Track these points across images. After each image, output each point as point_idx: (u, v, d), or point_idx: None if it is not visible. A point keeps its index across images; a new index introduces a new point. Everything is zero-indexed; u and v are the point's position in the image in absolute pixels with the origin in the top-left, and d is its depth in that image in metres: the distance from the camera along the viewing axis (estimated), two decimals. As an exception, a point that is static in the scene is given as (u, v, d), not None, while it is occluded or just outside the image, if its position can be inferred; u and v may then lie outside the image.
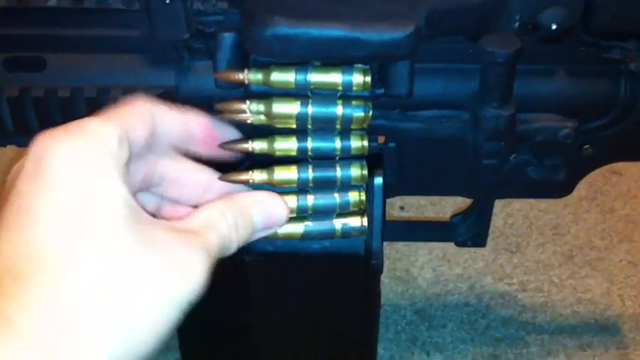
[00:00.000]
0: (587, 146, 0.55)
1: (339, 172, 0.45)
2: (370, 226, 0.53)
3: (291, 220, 0.44)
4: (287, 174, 0.45)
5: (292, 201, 0.45)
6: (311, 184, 0.45)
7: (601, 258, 0.84)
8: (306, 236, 0.46)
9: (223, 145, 0.43)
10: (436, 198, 0.91)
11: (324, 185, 0.46)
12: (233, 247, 0.38)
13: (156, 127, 0.38)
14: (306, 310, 0.57)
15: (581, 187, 0.62)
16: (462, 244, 0.62)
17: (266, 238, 0.43)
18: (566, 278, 0.81)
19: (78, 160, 0.32)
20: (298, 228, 0.45)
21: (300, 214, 0.45)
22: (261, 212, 0.40)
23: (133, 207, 0.32)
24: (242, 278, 0.55)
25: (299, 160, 0.45)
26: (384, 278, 0.55)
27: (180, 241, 0.33)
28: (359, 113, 0.45)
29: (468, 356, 0.74)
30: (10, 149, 0.52)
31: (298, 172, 0.45)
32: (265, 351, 0.60)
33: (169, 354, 0.73)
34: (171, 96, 0.51)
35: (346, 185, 0.46)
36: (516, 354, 0.74)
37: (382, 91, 0.49)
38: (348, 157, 0.46)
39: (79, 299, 0.29)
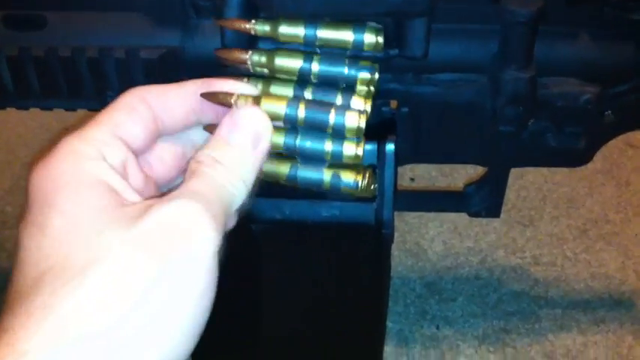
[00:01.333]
0: (609, 112, 0.53)
1: (332, 118, 0.41)
2: (381, 194, 0.51)
3: (278, 157, 0.41)
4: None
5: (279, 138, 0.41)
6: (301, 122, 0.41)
7: (616, 232, 0.82)
8: (291, 179, 0.43)
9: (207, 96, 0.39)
10: (447, 169, 0.89)
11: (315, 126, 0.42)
12: (239, 188, 0.35)
13: (155, 114, 0.36)
14: (315, 282, 0.56)
15: (597, 160, 0.60)
16: (476, 215, 0.60)
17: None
18: (580, 252, 0.80)
19: (61, 187, 0.31)
20: (284, 167, 0.42)
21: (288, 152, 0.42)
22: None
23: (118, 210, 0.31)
24: (250, 248, 0.53)
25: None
26: (394, 251, 0.53)
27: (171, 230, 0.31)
28: (364, 74, 0.42)
29: (478, 330, 0.72)
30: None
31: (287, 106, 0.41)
32: (275, 323, 0.59)
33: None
34: (176, 57, 0.49)
35: (340, 133, 0.42)
36: (528, 328, 0.72)
37: (396, 51, 0.47)
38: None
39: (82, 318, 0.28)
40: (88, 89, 0.49)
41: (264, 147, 0.37)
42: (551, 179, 0.88)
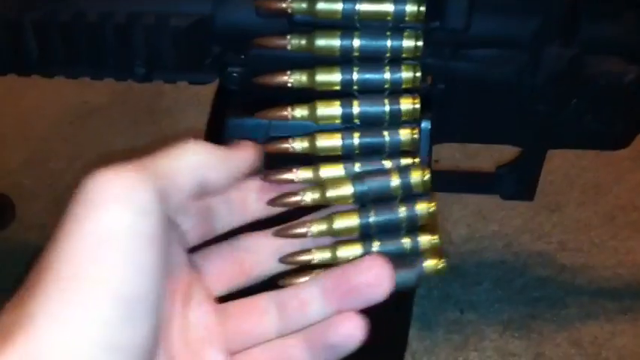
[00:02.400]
0: (651, 96, 0.51)
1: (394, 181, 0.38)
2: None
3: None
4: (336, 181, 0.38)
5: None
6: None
7: (644, 219, 0.80)
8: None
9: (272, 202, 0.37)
10: (471, 151, 0.87)
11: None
12: None
13: (204, 181, 0.33)
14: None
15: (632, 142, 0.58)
16: (508, 198, 0.58)
17: None
18: (608, 239, 0.78)
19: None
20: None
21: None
22: None
23: None
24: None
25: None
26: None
27: None
28: (409, 43, 0.40)
29: (503, 315, 0.71)
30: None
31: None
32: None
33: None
34: (206, 26, 0.47)
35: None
36: (554, 315, 0.71)
37: (437, 23, 0.45)
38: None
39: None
40: (115, 58, 0.47)
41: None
42: (578, 164, 0.86)
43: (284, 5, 0.41)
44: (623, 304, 0.72)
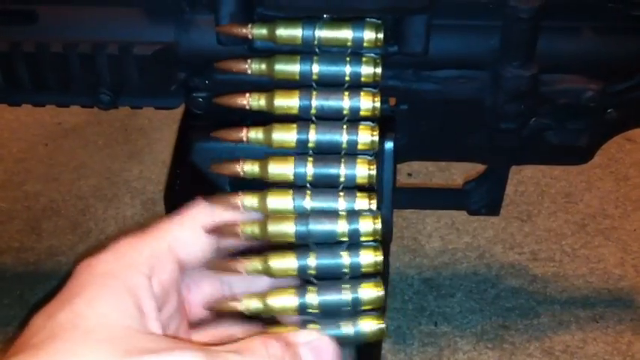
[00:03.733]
0: (612, 110, 0.52)
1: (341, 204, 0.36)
2: (380, 192, 0.50)
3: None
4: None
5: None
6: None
7: (615, 227, 0.81)
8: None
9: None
10: (444, 165, 0.88)
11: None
12: None
13: (181, 262, 0.34)
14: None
15: (595, 155, 0.59)
16: (475, 213, 0.59)
17: None
18: (579, 248, 0.79)
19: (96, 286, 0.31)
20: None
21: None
22: (309, 351, 0.33)
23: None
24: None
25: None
26: (391, 247, 0.53)
27: None
28: (368, 70, 0.40)
29: (477, 326, 0.71)
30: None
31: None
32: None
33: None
34: (171, 52, 0.48)
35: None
36: (527, 324, 0.72)
37: (396, 48, 0.46)
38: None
39: None
40: (81, 85, 0.47)
41: None
42: (549, 174, 0.87)
43: (244, 31, 0.41)
44: (595, 311, 0.73)
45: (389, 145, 0.50)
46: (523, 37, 0.47)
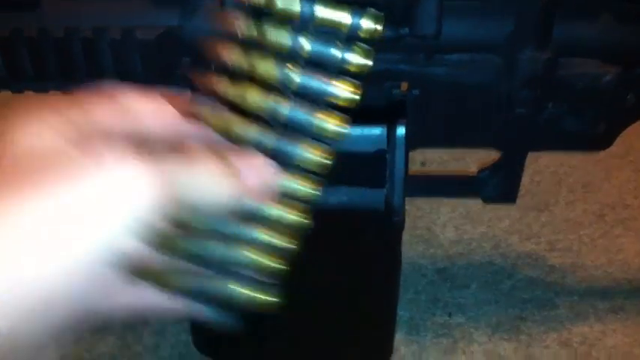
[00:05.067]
0: (631, 95, 0.50)
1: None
2: (391, 179, 0.49)
3: None
4: None
5: None
6: None
7: (634, 217, 0.79)
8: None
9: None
10: (459, 153, 0.86)
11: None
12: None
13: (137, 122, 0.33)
14: (322, 270, 0.54)
15: (614, 144, 0.57)
16: (490, 201, 0.58)
17: None
18: (598, 238, 0.77)
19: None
20: None
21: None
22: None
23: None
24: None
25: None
26: (404, 236, 0.51)
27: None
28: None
29: (492, 318, 0.70)
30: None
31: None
32: (280, 313, 0.57)
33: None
34: (175, 37, 0.47)
35: None
36: (544, 316, 0.70)
37: (407, 30, 0.44)
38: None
39: None
40: (83, 71, 0.46)
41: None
42: (566, 163, 0.85)
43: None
44: (614, 303, 0.71)
45: (400, 131, 0.48)
46: (539, 19, 0.45)
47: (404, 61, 0.48)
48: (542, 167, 0.84)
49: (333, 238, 0.51)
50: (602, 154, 0.85)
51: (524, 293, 0.72)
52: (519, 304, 0.71)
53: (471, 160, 0.85)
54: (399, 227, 0.49)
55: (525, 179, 0.77)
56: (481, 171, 0.58)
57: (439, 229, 0.78)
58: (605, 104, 0.50)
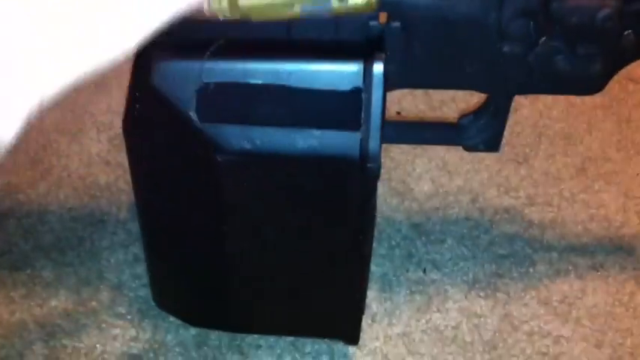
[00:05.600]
0: (629, 32, 0.46)
1: None
2: (367, 122, 0.44)
3: None
4: None
5: None
6: None
7: (616, 171, 0.76)
8: None
9: None
10: (436, 103, 0.82)
11: None
12: None
13: None
14: (290, 221, 0.50)
15: (596, 95, 0.53)
16: (472, 149, 0.54)
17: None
18: (578, 192, 0.74)
19: None
20: None
21: None
22: None
23: None
24: (214, 181, 0.47)
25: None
26: (378, 189, 0.47)
27: None
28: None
29: (468, 274, 0.67)
30: None
31: None
32: (242, 266, 0.53)
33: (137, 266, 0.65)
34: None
35: None
36: (522, 272, 0.67)
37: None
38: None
39: None
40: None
41: None
42: (547, 114, 0.81)
43: None
44: (595, 260, 0.68)
45: (378, 68, 0.44)
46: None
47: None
48: (521, 118, 0.80)
49: (302, 186, 0.47)
50: (583, 106, 0.82)
51: (501, 249, 0.69)
52: (497, 260, 0.68)
53: (449, 110, 0.80)
54: (375, 175, 0.45)
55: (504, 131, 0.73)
56: (463, 116, 0.54)
57: (414, 182, 0.74)
58: (601, 42, 0.45)
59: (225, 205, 0.48)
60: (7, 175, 0.72)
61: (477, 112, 0.52)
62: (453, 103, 0.80)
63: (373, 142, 0.44)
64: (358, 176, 0.45)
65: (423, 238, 0.69)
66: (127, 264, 0.66)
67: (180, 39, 0.41)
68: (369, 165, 0.44)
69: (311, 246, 0.51)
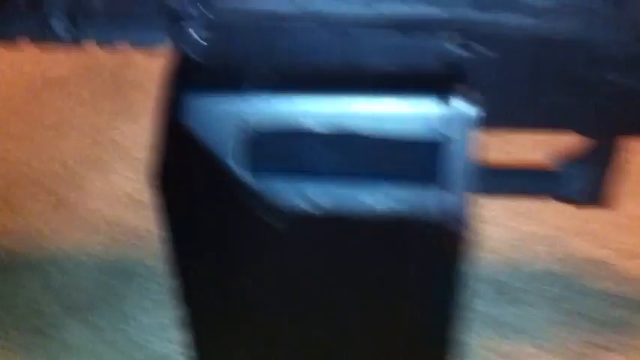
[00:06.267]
0: None
1: None
2: (450, 175, 0.36)
3: None
4: None
5: None
6: None
7: None
8: None
9: None
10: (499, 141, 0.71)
11: None
12: None
13: None
14: (353, 296, 0.41)
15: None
16: (572, 201, 0.44)
17: None
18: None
19: None
20: None
21: None
22: None
23: None
24: (263, 246, 0.38)
25: None
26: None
27: None
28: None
29: (559, 343, 0.56)
30: None
31: None
32: (305, 340, 0.44)
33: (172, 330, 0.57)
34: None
35: None
36: (621, 343, 0.56)
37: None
38: None
39: None
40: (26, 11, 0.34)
41: None
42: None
43: None
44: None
45: (460, 104, 0.35)
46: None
47: (462, 3, 0.34)
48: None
49: (369, 255, 0.38)
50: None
51: (595, 312, 0.59)
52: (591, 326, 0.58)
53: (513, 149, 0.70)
54: (459, 238, 0.36)
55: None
56: (561, 161, 0.45)
57: (486, 227, 0.64)
58: None
59: (277, 274, 0.39)
60: (24, 212, 0.65)
61: (580, 159, 0.43)
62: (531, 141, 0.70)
63: (456, 198, 0.35)
64: (438, 240, 0.36)
65: (504, 298, 0.60)
66: (161, 327, 0.57)
67: (219, 69, 0.34)
68: (450, 227, 0.36)
69: (381, 328, 0.42)
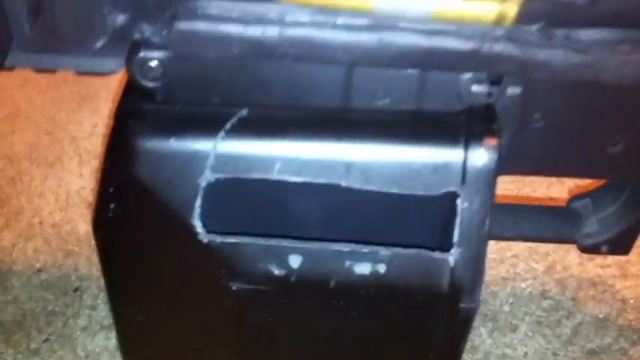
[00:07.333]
0: None
1: None
2: (464, 241, 0.29)
3: None
4: None
5: None
6: None
7: None
8: None
9: None
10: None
11: None
12: None
13: None
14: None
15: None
16: (592, 250, 0.38)
17: None
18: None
19: None
20: None
21: None
22: None
23: None
24: (227, 315, 0.31)
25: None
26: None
27: None
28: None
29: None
30: None
31: None
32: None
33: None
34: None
35: None
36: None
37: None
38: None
39: None
40: None
41: None
42: None
43: None
44: None
45: (485, 154, 0.28)
46: None
47: (504, 38, 0.27)
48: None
49: (357, 330, 0.31)
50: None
51: (588, 341, 0.54)
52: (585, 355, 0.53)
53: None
54: (470, 316, 0.29)
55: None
56: (574, 201, 0.38)
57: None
58: None
59: (248, 342, 0.33)
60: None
61: (602, 205, 0.37)
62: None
63: (471, 272, 0.29)
64: (445, 317, 0.30)
65: (489, 325, 0.54)
66: (109, 352, 0.50)
67: (182, 108, 0.26)
68: (462, 305, 0.29)
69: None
